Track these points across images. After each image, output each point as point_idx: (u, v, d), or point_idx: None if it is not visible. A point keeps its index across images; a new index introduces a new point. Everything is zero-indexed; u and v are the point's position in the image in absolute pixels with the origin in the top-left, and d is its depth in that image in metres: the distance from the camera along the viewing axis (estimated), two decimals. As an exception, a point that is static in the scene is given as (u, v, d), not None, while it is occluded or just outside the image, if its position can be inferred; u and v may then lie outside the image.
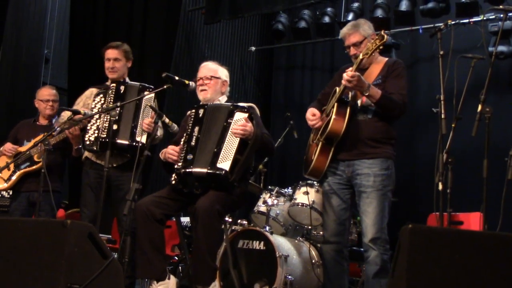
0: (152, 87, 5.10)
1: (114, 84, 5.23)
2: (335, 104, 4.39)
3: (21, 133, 6.03)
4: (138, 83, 5.29)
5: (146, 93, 5.09)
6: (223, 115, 4.55)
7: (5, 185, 5.76)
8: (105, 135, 5.00)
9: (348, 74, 4.24)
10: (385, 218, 4.32)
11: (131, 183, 4.22)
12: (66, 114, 5.37)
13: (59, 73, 9.41)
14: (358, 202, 4.40)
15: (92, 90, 5.44)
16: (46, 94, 6.11)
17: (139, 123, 5.04)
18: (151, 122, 4.90)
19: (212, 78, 4.82)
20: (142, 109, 5.08)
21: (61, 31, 9.45)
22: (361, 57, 4.32)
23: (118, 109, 5.02)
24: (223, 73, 4.92)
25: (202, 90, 4.82)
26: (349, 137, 4.38)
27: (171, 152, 4.60)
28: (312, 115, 4.59)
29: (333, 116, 4.35)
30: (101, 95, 5.26)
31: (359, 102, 4.45)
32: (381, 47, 4.28)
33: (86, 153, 5.30)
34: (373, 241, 4.26)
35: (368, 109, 4.42)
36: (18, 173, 5.75)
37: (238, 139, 4.40)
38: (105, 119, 5.07)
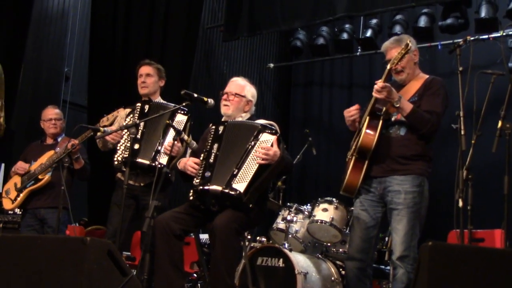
0: (185, 109, 5.05)
1: (139, 104, 5.21)
2: (367, 118, 4.34)
3: (30, 155, 6.14)
4: (165, 103, 5.27)
5: (179, 116, 5.04)
6: (248, 134, 4.49)
7: (13, 205, 5.87)
8: (127, 155, 5.00)
9: (379, 84, 4.21)
10: (416, 236, 4.23)
11: (150, 200, 4.21)
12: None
13: (79, 91, 9.49)
14: (389, 219, 4.33)
15: (126, 111, 5.43)
16: (48, 113, 6.21)
17: (164, 145, 4.97)
18: (176, 145, 4.86)
19: (237, 96, 4.78)
20: (170, 131, 4.96)
21: (81, 49, 9.54)
22: (388, 67, 4.28)
23: (141, 127, 5.02)
24: (250, 92, 4.86)
25: (224, 105, 4.81)
26: (380, 153, 4.33)
27: (191, 164, 4.58)
28: (349, 109, 4.55)
29: (364, 130, 4.30)
30: (131, 116, 5.25)
31: (393, 118, 4.40)
32: (406, 56, 4.24)
33: (118, 174, 5.32)
34: (400, 259, 4.19)
35: (402, 125, 4.36)
36: (24, 192, 5.84)
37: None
38: (129, 139, 5.07)
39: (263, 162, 4.32)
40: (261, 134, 4.44)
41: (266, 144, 4.38)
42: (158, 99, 5.44)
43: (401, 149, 4.33)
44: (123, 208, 4.72)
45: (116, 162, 5.11)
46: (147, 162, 4.94)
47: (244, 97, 4.81)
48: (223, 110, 4.80)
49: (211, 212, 4.46)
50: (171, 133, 4.95)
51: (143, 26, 8.79)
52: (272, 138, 4.41)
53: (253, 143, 4.41)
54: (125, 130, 5.08)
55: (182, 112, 5.04)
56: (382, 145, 4.32)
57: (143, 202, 5.13)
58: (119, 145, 5.17)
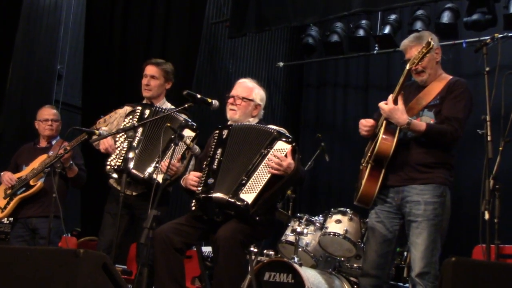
0: (195, 125, 5.03)
1: (139, 107, 5.21)
2: (384, 122, 4.33)
3: (21, 158, 6.15)
4: (171, 110, 5.23)
5: (187, 131, 4.96)
6: (260, 140, 4.47)
7: (2, 213, 5.86)
8: (120, 162, 4.99)
9: (389, 99, 4.23)
10: (437, 251, 4.21)
11: (149, 209, 4.20)
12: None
13: (72, 90, 9.51)
14: (408, 232, 4.31)
15: (127, 109, 5.39)
16: (45, 113, 6.21)
17: (163, 160, 4.89)
18: (174, 164, 4.84)
19: (244, 100, 4.78)
20: (174, 147, 4.70)
21: (75, 45, 9.56)
22: (407, 67, 4.27)
23: (138, 134, 5.01)
24: (258, 95, 4.85)
25: (231, 109, 4.80)
26: (398, 160, 4.31)
27: (192, 178, 4.58)
28: (366, 121, 4.53)
29: (381, 135, 4.28)
30: (130, 116, 5.20)
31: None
32: (427, 55, 4.21)
33: (110, 180, 5.32)
34: (420, 276, 4.16)
35: None
36: (14, 199, 5.83)
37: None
38: (124, 145, 5.06)
39: (276, 173, 4.31)
40: (276, 142, 4.42)
41: (281, 153, 4.36)
42: (162, 101, 5.44)
43: (420, 156, 4.31)
44: (119, 218, 4.71)
45: (108, 167, 5.09)
46: (141, 175, 4.94)
47: (252, 101, 4.81)
48: (230, 114, 4.80)
49: (214, 223, 4.46)
50: (179, 150, 4.92)
51: (143, 21, 8.81)
52: (288, 147, 4.39)
53: (266, 151, 4.40)
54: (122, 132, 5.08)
55: (191, 127, 5.04)
56: (400, 151, 4.31)
57: (138, 212, 5.13)
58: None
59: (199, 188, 4.45)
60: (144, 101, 5.45)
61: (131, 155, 4.97)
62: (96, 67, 8.77)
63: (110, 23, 8.89)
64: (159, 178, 4.78)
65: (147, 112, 5.16)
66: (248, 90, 4.84)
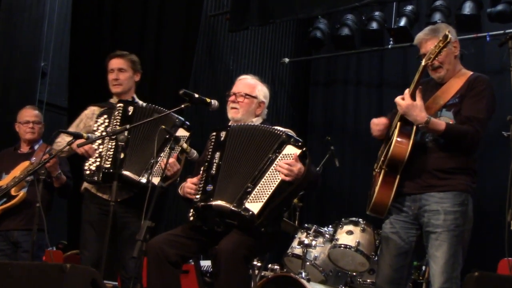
0: (189, 124, 5.07)
1: (121, 104, 5.20)
2: (398, 124, 4.31)
3: (1, 165, 6.12)
4: (153, 106, 5.25)
5: (181, 130, 5.03)
6: (266, 143, 4.44)
7: None
8: (108, 165, 4.99)
9: (405, 93, 4.22)
10: (458, 265, 4.20)
11: (142, 220, 4.19)
12: (63, 139, 5.29)
13: (58, 90, 9.50)
14: (426, 244, 4.30)
15: (94, 109, 5.41)
16: (26, 115, 6.21)
17: (159, 161, 4.94)
18: (175, 164, 4.87)
19: (247, 97, 4.76)
20: (170, 151, 4.80)
21: (60, 41, 9.56)
22: (423, 63, 4.25)
23: (126, 133, 5.00)
24: (262, 92, 4.84)
25: (232, 108, 4.79)
26: (414, 165, 4.30)
27: (188, 185, 4.57)
28: (378, 120, 4.53)
29: (395, 138, 4.27)
30: (105, 116, 5.20)
31: None
32: (444, 49, 4.19)
33: (86, 184, 5.28)
34: None
35: None
36: None
37: (279, 179, 4.29)
38: (110, 145, 5.05)
39: (286, 178, 4.28)
40: (285, 146, 4.40)
41: (289, 159, 4.33)
42: (133, 98, 5.44)
43: (439, 160, 4.31)
44: (108, 230, 4.70)
45: (87, 172, 5.07)
46: (135, 178, 4.94)
47: (255, 98, 4.80)
48: (231, 114, 4.78)
49: (214, 233, 4.45)
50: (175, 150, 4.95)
51: (135, 13, 8.79)
52: (296, 152, 4.36)
53: (274, 155, 4.37)
54: (99, 134, 5.07)
55: (184, 126, 5.07)
56: (417, 156, 4.30)
57: (122, 220, 5.11)
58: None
59: (197, 196, 4.42)
60: (113, 99, 5.44)
61: (122, 155, 4.97)
62: (84, 65, 8.75)
63: (99, 16, 8.86)
64: (154, 181, 4.80)
65: (130, 109, 5.15)
66: (251, 86, 4.83)
